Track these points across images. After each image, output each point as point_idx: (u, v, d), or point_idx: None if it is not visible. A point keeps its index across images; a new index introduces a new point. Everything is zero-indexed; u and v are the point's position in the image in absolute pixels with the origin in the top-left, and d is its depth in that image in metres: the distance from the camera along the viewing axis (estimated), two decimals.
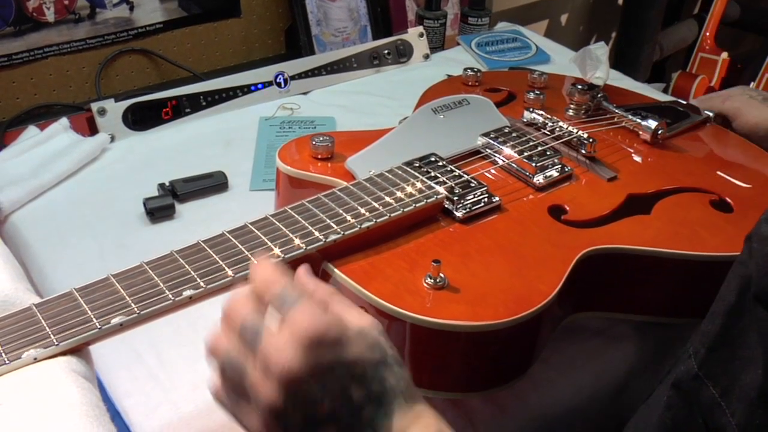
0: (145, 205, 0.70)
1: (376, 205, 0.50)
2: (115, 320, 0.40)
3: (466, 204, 0.53)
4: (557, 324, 0.51)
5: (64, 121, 0.82)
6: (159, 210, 0.70)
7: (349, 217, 0.49)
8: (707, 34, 1.70)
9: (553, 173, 0.58)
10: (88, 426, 0.35)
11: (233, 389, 0.36)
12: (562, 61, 1.06)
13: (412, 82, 0.98)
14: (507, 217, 0.54)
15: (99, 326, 0.40)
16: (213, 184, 0.74)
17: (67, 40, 1.06)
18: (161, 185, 0.73)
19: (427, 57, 1.05)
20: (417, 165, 0.56)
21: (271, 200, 0.65)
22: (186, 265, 0.44)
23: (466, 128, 0.64)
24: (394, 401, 0.35)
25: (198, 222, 0.70)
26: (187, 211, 0.72)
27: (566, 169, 0.59)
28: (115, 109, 0.83)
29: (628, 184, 0.59)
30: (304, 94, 0.96)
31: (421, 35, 1.04)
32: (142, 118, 0.84)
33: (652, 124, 0.65)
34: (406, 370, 0.37)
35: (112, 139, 0.83)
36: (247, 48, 1.26)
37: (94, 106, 0.83)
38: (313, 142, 0.59)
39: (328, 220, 0.48)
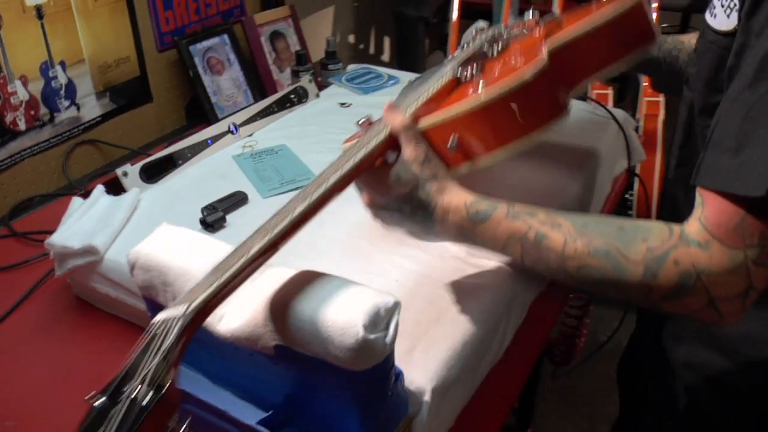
0: (204, 220, 1.02)
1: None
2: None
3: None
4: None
5: (100, 187, 1.09)
6: (216, 221, 1.01)
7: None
8: None
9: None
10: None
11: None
12: (405, 79, 1.53)
13: (317, 112, 1.39)
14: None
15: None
16: (238, 199, 1.06)
17: (36, 143, 1.30)
18: (204, 207, 1.04)
19: (317, 95, 1.46)
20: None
21: (280, 202, 1.00)
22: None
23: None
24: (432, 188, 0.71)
25: (243, 225, 1.01)
26: (231, 221, 1.04)
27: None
28: (133, 170, 1.12)
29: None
30: (249, 135, 1.32)
31: (310, 81, 1.45)
32: (151, 174, 1.14)
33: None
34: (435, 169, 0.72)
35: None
36: (159, 125, 1.57)
37: (119, 171, 1.11)
38: None
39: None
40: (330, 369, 0.60)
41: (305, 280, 0.63)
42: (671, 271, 0.62)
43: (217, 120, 1.53)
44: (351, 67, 1.63)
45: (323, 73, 1.61)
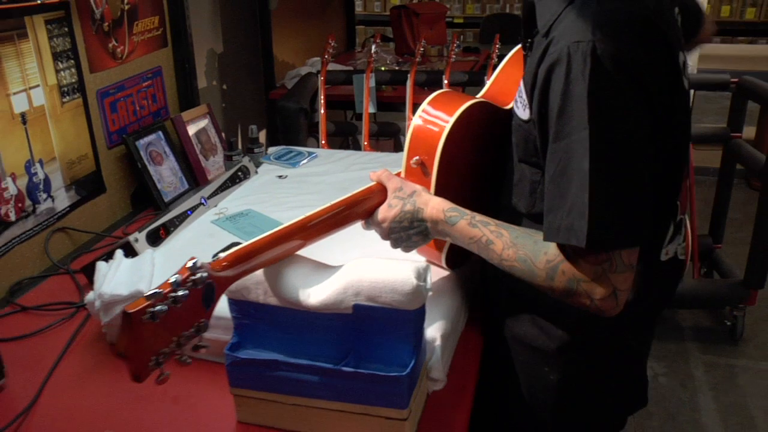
0: None
1: None
2: None
3: None
4: None
5: (120, 251, 1.30)
6: None
7: None
8: None
9: None
10: None
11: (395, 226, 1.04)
12: (322, 155, 1.89)
13: (263, 184, 1.71)
14: None
15: None
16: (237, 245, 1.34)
17: (23, 231, 1.48)
18: (214, 256, 1.30)
19: (256, 172, 1.77)
20: None
21: None
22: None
23: None
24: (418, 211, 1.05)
25: None
26: None
27: None
28: (141, 236, 1.35)
29: None
30: (215, 206, 1.59)
31: (250, 161, 1.76)
32: (154, 239, 1.38)
33: None
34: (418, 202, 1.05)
35: None
36: (112, 211, 1.79)
37: (131, 238, 1.34)
38: None
39: None
40: (390, 314, 0.92)
41: (367, 261, 0.96)
42: (561, 278, 0.89)
43: (164, 204, 1.78)
44: (272, 149, 1.96)
45: (250, 156, 1.93)
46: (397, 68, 3.55)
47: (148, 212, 1.80)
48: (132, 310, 0.74)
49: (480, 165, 1.16)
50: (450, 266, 1.23)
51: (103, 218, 1.74)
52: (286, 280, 0.96)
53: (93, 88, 1.68)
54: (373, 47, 2.90)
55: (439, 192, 1.08)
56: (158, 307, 0.76)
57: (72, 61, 1.60)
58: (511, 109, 1.02)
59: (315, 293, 0.95)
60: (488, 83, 1.23)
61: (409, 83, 2.82)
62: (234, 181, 1.67)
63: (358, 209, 1.06)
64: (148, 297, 0.76)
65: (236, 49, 2.88)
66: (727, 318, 2.84)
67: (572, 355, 1.06)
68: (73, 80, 1.61)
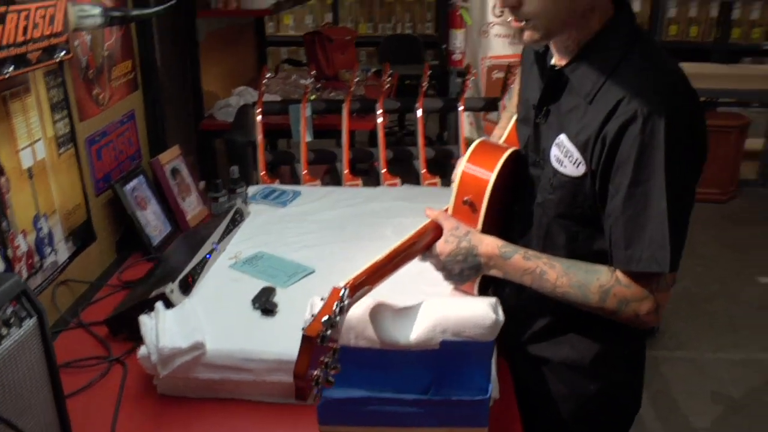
0: (263, 309, 1.33)
1: None
2: None
3: None
4: None
5: (160, 303, 1.32)
6: (272, 307, 1.33)
7: None
8: None
9: None
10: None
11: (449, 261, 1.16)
12: (305, 192, 1.97)
13: (261, 224, 1.76)
14: None
15: None
16: (270, 291, 1.39)
17: (34, 288, 1.46)
18: (253, 300, 1.35)
19: (249, 213, 1.82)
20: None
21: (300, 287, 1.38)
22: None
23: None
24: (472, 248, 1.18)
25: (286, 308, 1.34)
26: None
27: None
28: (175, 287, 1.38)
29: None
30: (223, 251, 1.62)
31: (243, 202, 1.80)
32: (185, 288, 1.41)
33: None
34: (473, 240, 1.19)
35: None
36: (102, 259, 1.78)
37: (167, 290, 1.36)
38: None
39: None
40: (472, 346, 1.05)
41: (445, 301, 1.07)
42: (612, 300, 1.07)
43: (153, 248, 1.79)
44: (252, 189, 2.01)
45: (231, 196, 1.97)
46: (318, 94, 3.67)
47: (136, 257, 1.80)
48: (311, 334, 0.85)
49: (507, 204, 1.31)
50: (479, 294, 1.37)
51: (95, 266, 1.72)
52: (377, 324, 1.06)
53: (82, 137, 1.67)
54: (308, 81, 2.96)
55: (485, 226, 1.21)
56: (329, 332, 0.86)
57: (65, 111, 1.58)
58: (541, 168, 1.18)
59: (406, 333, 1.05)
60: (506, 132, 1.39)
61: (344, 112, 2.93)
62: (234, 224, 1.72)
63: (419, 244, 1.17)
64: (324, 322, 0.86)
65: (165, 81, 2.87)
66: None
67: (605, 367, 1.24)
68: (67, 130, 1.59)
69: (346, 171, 2.76)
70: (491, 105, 2.87)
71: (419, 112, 2.50)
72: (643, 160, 1.00)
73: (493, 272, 1.18)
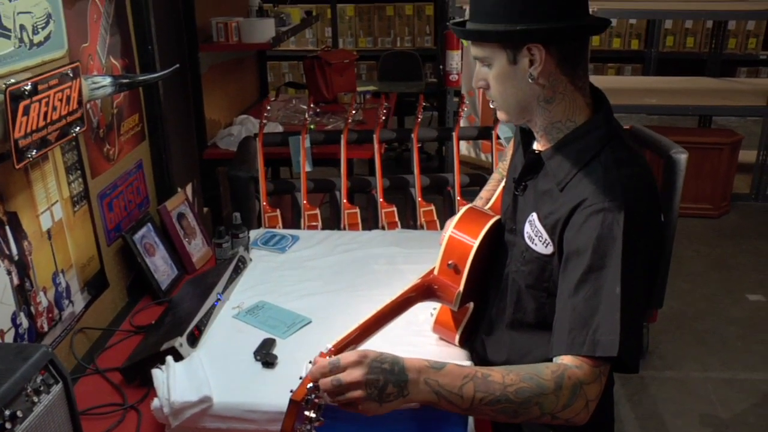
0: (264, 361, 1.45)
1: None
2: None
3: None
4: None
5: (170, 357, 1.44)
6: (272, 360, 1.45)
7: None
8: None
9: None
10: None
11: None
12: (303, 237, 2.09)
13: (262, 272, 1.88)
14: None
15: None
16: (271, 343, 1.51)
17: (53, 340, 1.59)
18: (255, 353, 1.47)
19: (250, 260, 1.94)
20: None
21: (300, 337, 1.50)
22: None
23: None
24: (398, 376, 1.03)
25: (286, 359, 1.46)
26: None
27: None
28: (183, 341, 1.50)
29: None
30: (227, 300, 1.75)
31: (245, 249, 1.93)
32: (193, 341, 1.53)
33: None
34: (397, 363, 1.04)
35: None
36: (114, 304, 1.90)
37: (176, 344, 1.48)
38: None
39: None
40: None
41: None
42: (568, 383, 1.03)
43: (162, 293, 1.91)
44: (253, 233, 2.13)
45: (234, 241, 2.09)
46: (317, 120, 3.81)
47: (146, 301, 1.92)
48: (297, 399, 1.00)
49: (487, 267, 1.42)
50: (461, 345, 1.48)
51: (108, 312, 1.85)
52: None
53: (95, 193, 1.79)
54: (306, 115, 3.08)
55: (466, 288, 1.33)
56: (313, 395, 1.00)
57: (79, 172, 1.71)
58: (515, 236, 1.29)
59: None
60: (493, 198, 1.51)
61: (342, 142, 3.05)
62: (237, 272, 1.84)
63: (405, 306, 1.30)
64: (309, 389, 1.01)
65: (169, 113, 2.99)
66: None
67: None
68: (80, 189, 1.72)
69: (344, 201, 2.90)
70: (485, 134, 2.99)
71: (415, 142, 2.65)
72: (600, 249, 1.09)
73: (424, 392, 1.03)
